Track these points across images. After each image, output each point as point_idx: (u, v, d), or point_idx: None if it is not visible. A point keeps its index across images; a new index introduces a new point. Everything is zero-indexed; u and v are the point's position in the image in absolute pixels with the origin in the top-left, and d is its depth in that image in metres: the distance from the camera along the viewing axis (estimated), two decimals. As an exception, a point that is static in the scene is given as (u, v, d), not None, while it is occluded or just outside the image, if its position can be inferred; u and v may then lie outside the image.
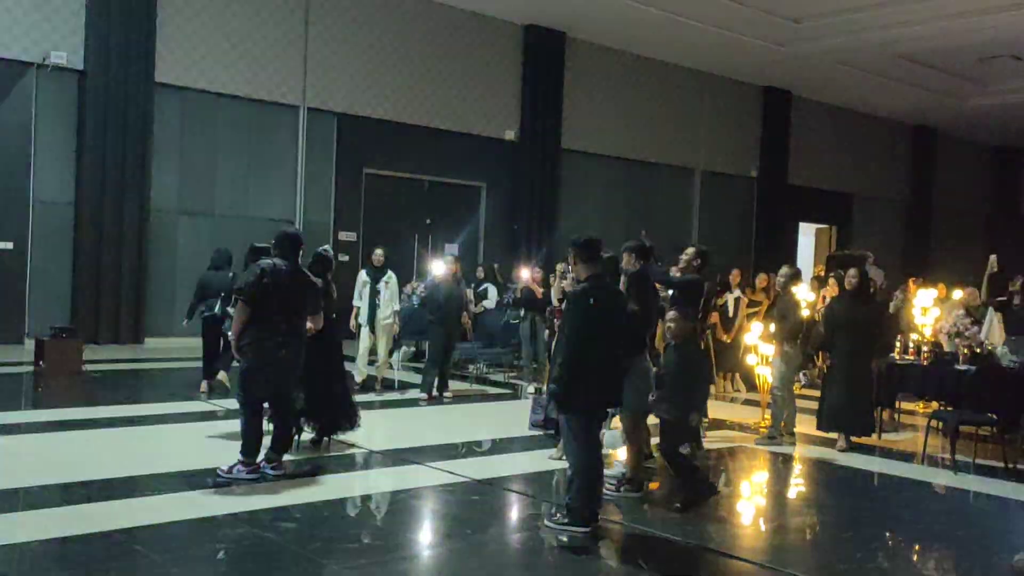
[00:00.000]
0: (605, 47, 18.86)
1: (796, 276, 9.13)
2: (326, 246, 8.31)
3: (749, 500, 7.29)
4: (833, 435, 8.74)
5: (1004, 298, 11.04)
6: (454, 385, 10.99)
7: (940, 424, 8.85)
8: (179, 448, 7.49)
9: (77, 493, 6.10)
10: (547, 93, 17.94)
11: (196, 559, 5.13)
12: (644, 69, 19.68)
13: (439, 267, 10.68)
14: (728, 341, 11.52)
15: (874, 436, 8.90)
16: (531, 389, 10.49)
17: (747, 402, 11.26)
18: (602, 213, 18.76)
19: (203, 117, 14.30)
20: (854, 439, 8.61)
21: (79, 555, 5.04)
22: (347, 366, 10.70)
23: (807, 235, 24.31)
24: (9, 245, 12.82)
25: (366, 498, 6.73)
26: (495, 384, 11.84)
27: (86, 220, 13.22)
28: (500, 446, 8.55)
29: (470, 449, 8.37)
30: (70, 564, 4.95)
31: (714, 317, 11.57)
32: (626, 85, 19.38)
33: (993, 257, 13.31)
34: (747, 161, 22.09)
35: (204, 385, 9.80)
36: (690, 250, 8.02)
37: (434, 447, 8.04)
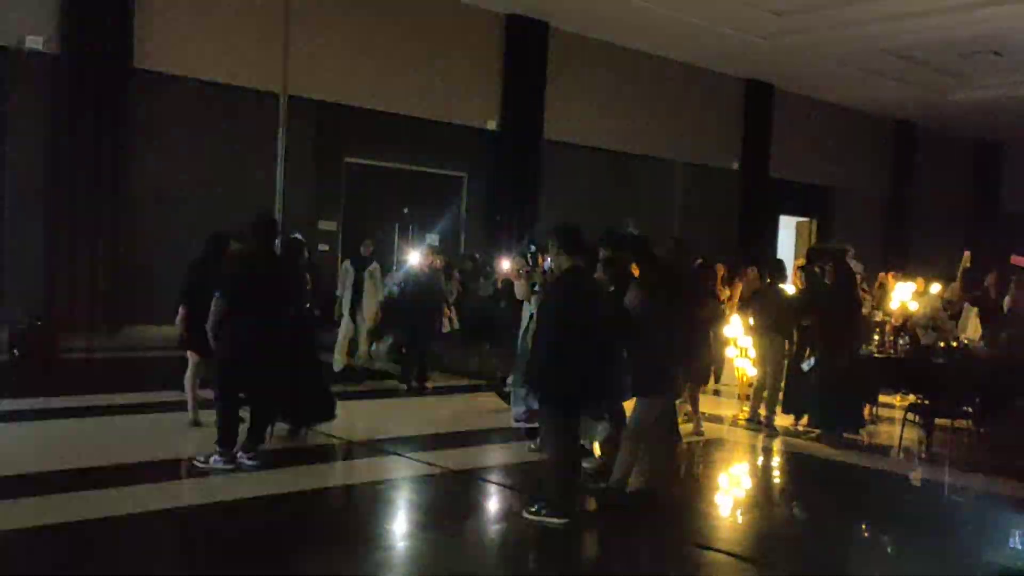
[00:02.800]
0: (587, 38, 18.80)
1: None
2: (297, 233, 8.21)
3: (727, 493, 7.31)
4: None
5: (979, 292, 11.14)
6: (434, 376, 10.96)
7: (917, 417, 8.90)
8: (156, 437, 7.42)
9: (53, 483, 6.02)
10: (529, 83, 17.86)
11: (171, 549, 5.09)
12: (627, 60, 19.64)
13: (416, 257, 10.63)
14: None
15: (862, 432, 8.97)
16: (510, 380, 10.42)
17: (716, 392, 11.32)
18: (584, 204, 18.72)
19: (181, 103, 14.12)
20: (847, 435, 8.62)
21: (54, 544, 4.98)
22: (324, 356, 10.68)
23: (788, 228, 24.41)
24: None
25: (344, 488, 6.70)
26: (475, 375, 11.81)
27: (61, 208, 13.05)
28: (479, 437, 8.52)
29: (449, 440, 8.34)
30: (44, 553, 4.89)
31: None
32: (608, 76, 19.33)
33: (967, 253, 13.40)
34: (729, 154, 22.11)
35: None
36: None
37: (413, 437, 8.02)
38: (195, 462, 6.44)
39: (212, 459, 6.46)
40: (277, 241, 6.84)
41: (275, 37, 14.85)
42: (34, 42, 12.69)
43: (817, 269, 9.16)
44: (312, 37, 15.23)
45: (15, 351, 10.68)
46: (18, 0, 12.62)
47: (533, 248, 7.13)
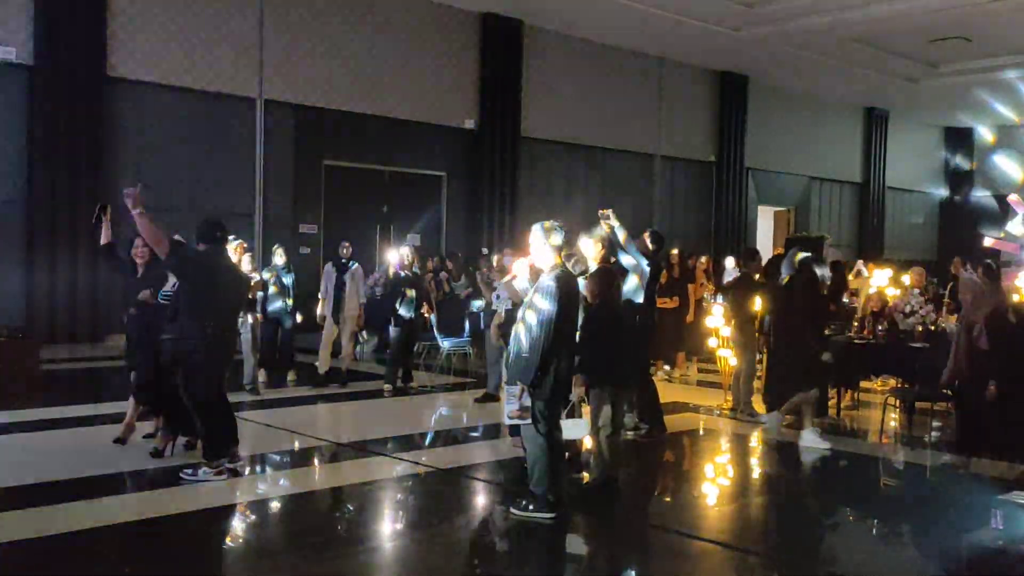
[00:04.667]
0: (563, 34, 18.88)
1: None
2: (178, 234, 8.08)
3: (713, 482, 7.40)
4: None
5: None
6: (418, 375, 11.01)
7: (897, 401, 9.03)
8: (141, 447, 7.39)
9: (35, 495, 6.02)
10: (506, 81, 17.92)
11: (160, 558, 5.11)
12: (602, 56, 19.73)
13: (394, 257, 10.67)
14: (689, 322, 11.71)
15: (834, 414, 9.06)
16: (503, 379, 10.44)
17: (700, 383, 11.41)
18: (563, 200, 18.82)
19: (158, 111, 14.08)
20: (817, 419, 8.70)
21: (35, 557, 4.98)
22: (310, 358, 10.69)
23: (766, 218, 24.60)
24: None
25: (331, 490, 6.72)
26: (459, 374, 11.86)
27: (39, 218, 12.99)
28: (465, 436, 8.58)
29: (435, 439, 8.39)
30: (25, 567, 4.89)
31: (675, 300, 11.73)
32: (585, 72, 19.42)
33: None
34: (706, 146, 22.26)
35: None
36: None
37: (399, 438, 8.06)
38: (182, 476, 6.36)
39: (201, 471, 6.38)
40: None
41: (251, 42, 14.84)
42: (6, 53, 12.63)
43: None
44: (287, 42, 15.23)
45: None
46: (-11, 12, 12.54)
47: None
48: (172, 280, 6.84)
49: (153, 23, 13.88)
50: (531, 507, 5.72)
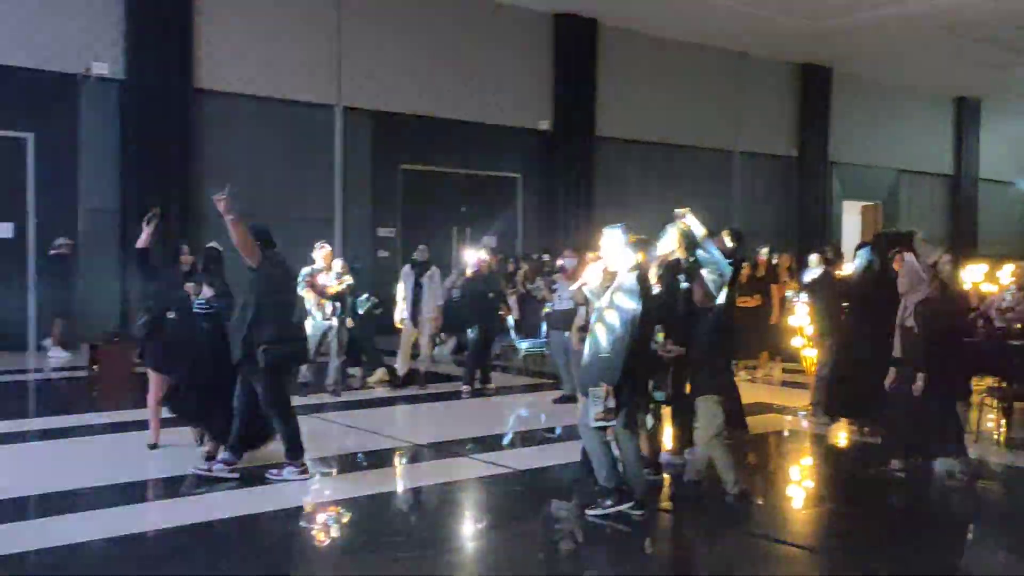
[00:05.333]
0: (637, 32, 18.71)
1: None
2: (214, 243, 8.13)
3: (797, 484, 7.22)
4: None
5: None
6: (496, 377, 11.03)
7: (994, 401, 8.66)
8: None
9: (133, 493, 6.24)
10: (580, 81, 17.86)
11: (243, 556, 5.23)
12: (678, 52, 19.50)
13: (471, 258, 10.72)
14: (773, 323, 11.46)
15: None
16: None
17: (785, 384, 11.15)
18: (639, 199, 18.64)
19: (241, 121, 14.47)
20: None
21: (138, 551, 5.17)
22: (389, 360, 10.83)
23: (852, 213, 23.93)
24: (58, 251, 13.09)
25: (410, 491, 6.78)
26: (537, 375, 11.85)
27: (132, 227, 13.44)
28: (543, 437, 8.56)
29: (514, 440, 8.40)
30: (132, 561, 5.07)
31: (757, 299, 11.49)
32: (660, 70, 19.22)
33: None
34: (787, 140, 21.80)
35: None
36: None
37: (477, 439, 8.08)
38: (271, 474, 6.50)
39: (286, 470, 6.50)
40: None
41: (329, 51, 15.13)
42: (100, 68, 13.13)
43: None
44: (364, 49, 15.48)
45: (94, 367, 11.06)
46: (83, 29, 13.07)
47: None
48: (207, 290, 6.80)
49: (236, 36, 14.27)
50: (609, 503, 5.68)
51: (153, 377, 7.15)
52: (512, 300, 12.33)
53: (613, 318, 5.58)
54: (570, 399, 9.34)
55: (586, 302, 6.67)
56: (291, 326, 6.56)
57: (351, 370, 10.47)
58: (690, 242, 7.16)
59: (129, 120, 13.44)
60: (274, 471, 6.51)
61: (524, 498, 6.45)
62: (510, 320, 11.76)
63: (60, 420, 8.55)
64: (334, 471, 7.01)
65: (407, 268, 10.90)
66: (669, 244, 6.91)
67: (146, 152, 13.47)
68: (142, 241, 7.37)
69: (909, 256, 7.26)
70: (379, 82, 15.65)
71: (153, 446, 7.24)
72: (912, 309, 6.96)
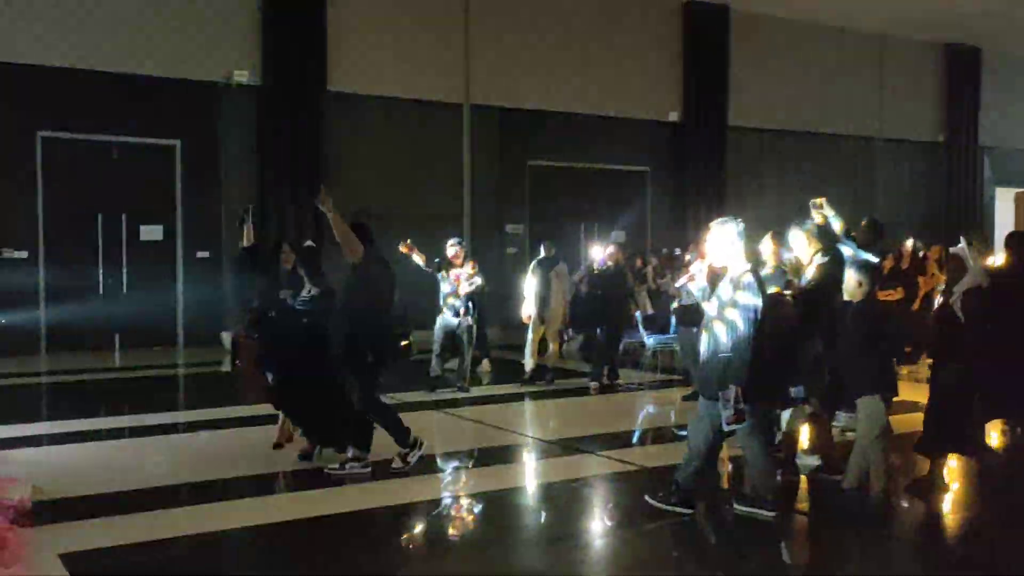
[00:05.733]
0: (770, 17, 18.13)
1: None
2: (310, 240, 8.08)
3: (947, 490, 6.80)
4: None
5: None
6: (625, 373, 10.89)
7: None
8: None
9: (271, 483, 6.47)
10: (711, 70, 17.46)
11: (375, 548, 5.31)
12: (814, 37, 18.78)
13: (599, 254, 10.61)
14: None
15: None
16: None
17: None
18: (774, 191, 18.06)
19: (371, 121, 14.84)
20: None
21: (285, 542, 5.34)
22: (516, 357, 10.83)
23: (1006, 200, 22.43)
24: (207, 254, 13.78)
25: (537, 487, 6.75)
26: (666, 371, 11.63)
27: (269, 228, 13.99)
28: (673, 434, 8.37)
29: (642, 437, 8.26)
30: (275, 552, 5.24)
31: (900, 292, 10.91)
32: (794, 55, 18.56)
33: None
34: (932, 125, 20.66)
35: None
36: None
37: (605, 435, 7.98)
38: (328, 471, 6.47)
39: (411, 455, 6.56)
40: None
41: (456, 50, 15.31)
42: (240, 76, 13.72)
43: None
44: (491, 46, 15.59)
45: (237, 362, 11.52)
46: (225, 39, 13.69)
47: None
48: (308, 287, 6.71)
49: (367, 39, 14.64)
50: (744, 505, 5.58)
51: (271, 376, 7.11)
52: (641, 296, 12.16)
53: (735, 316, 5.38)
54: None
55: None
56: (391, 323, 6.51)
57: (481, 364, 10.57)
58: (827, 235, 6.85)
59: (266, 124, 13.99)
60: (335, 465, 6.44)
61: (654, 496, 6.30)
62: (638, 316, 11.57)
63: (205, 413, 8.96)
64: (462, 466, 7.05)
65: (534, 264, 10.91)
66: (798, 240, 6.67)
67: (282, 154, 13.99)
68: (248, 239, 7.50)
69: None
70: (506, 79, 15.73)
71: (277, 445, 7.15)
72: None
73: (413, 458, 6.50)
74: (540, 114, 16.06)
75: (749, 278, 5.44)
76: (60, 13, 12.62)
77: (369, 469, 6.50)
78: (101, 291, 13.30)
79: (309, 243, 7.34)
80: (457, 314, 9.84)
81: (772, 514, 5.49)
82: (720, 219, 5.70)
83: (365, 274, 6.41)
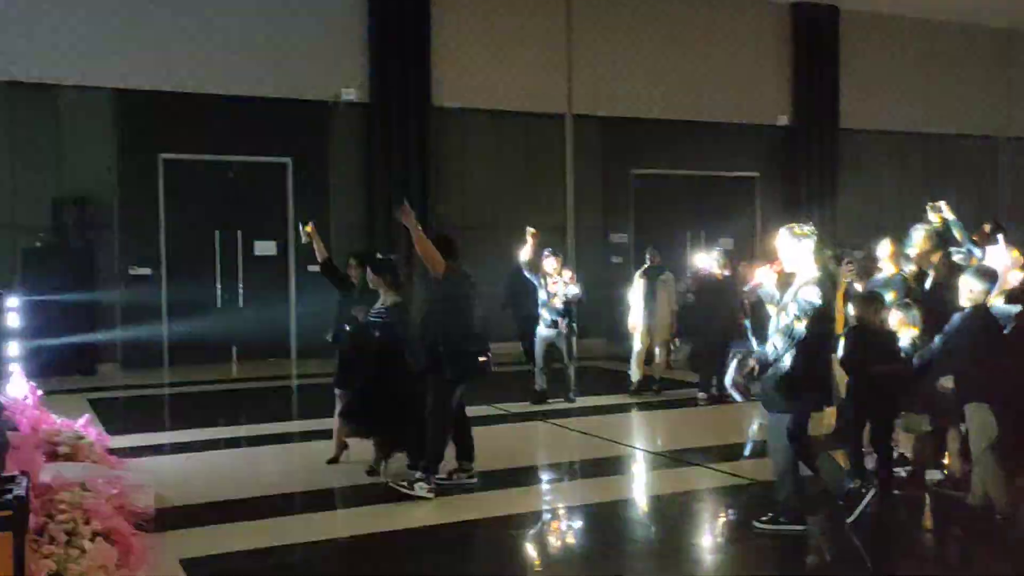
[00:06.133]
0: (882, 15, 17.49)
1: None
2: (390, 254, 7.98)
3: None
4: None
5: None
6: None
7: None
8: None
9: (378, 493, 6.56)
10: (821, 72, 16.96)
11: (483, 558, 5.32)
12: (931, 35, 18.02)
13: (703, 262, 10.40)
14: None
15: None
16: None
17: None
18: (890, 194, 17.37)
19: (475, 133, 14.98)
20: None
21: (393, 551, 5.41)
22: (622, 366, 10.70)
23: None
24: (318, 268, 14.09)
25: (644, 499, 6.65)
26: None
27: (379, 243, 14.27)
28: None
29: (751, 449, 8.03)
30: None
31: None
32: (910, 54, 17.84)
33: None
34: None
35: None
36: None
37: (713, 448, 7.79)
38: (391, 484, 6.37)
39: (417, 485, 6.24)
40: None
41: (558, 60, 15.33)
42: (348, 94, 14.08)
43: None
44: (594, 55, 15.55)
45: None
46: (333, 59, 14.08)
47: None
48: (382, 299, 6.66)
49: (469, 52, 14.81)
50: (782, 520, 5.40)
51: (338, 392, 7.09)
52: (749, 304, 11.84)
53: (793, 323, 5.22)
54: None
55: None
56: (474, 336, 6.43)
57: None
58: (945, 238, 6.57)
59: (373, 140, 14.30)
60: (404, 483, 6.25)
61: (762, 510, 6.11)
62: (747, 324, 11.28)
63: (317, 423, 9.12)
64: (569, 477, 7.00)
65: (640, 273, 10.77)
66: (918, 241, 6.42)
67: (389, 169, 14.26)
68: (320, 254, 7.55)
69: None
70: (609, 87, 15.65)
71: (332, 460, 7.08)
72: None
73: (421, 489, 6.14)
74: (643, 121, 15.90)
75: (812, 286, 5.25)
76: (178, 43, 13.20)
77: (475, 480, 6.53)
78: (219, 305, 13.80)
79: (381, 255, 7.30)
80: (554, 324, 9.76)
81: (801, 527, 5.36)
82: (790, 224, 5.54)
83: (448, 289, 6.40)
